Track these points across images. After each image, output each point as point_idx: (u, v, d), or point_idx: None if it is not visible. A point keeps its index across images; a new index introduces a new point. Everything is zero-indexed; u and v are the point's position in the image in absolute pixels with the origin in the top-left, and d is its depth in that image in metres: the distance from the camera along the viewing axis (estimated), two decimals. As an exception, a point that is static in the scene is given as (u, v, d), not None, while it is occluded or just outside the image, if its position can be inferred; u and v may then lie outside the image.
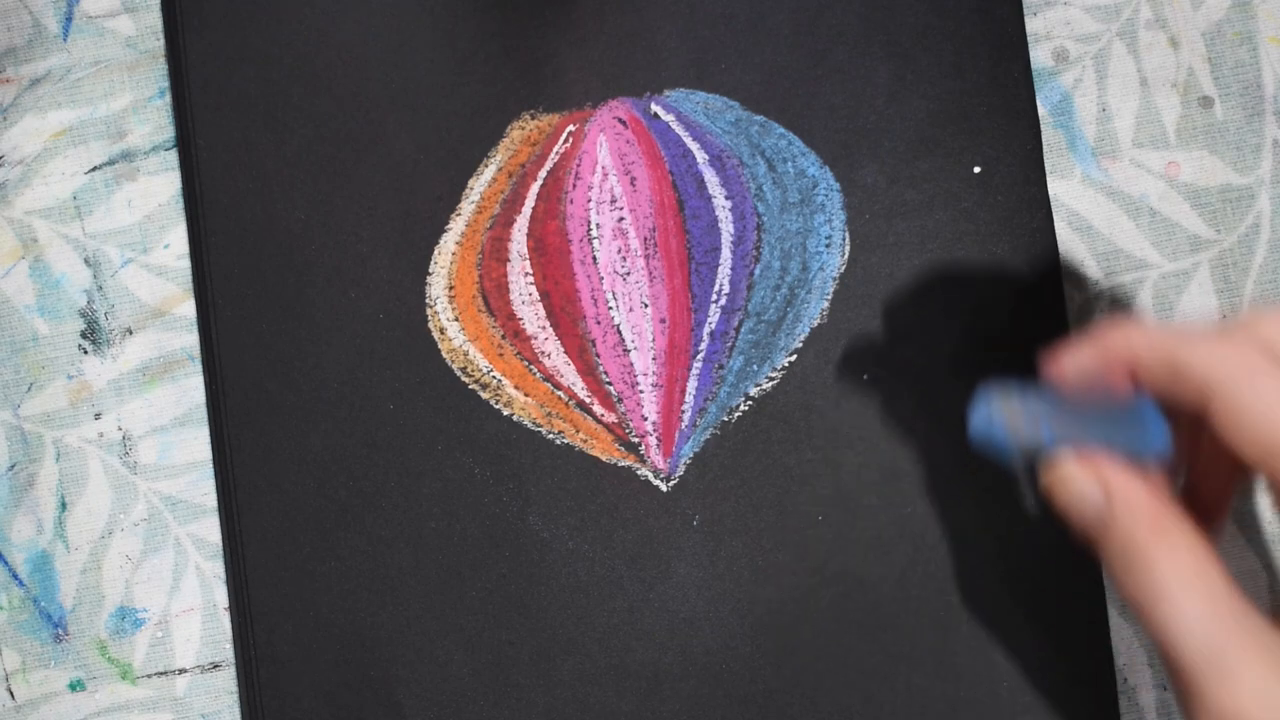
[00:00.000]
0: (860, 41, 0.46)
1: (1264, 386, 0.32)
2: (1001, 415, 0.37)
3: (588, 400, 0.46)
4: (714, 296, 0.46)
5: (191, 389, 0.47)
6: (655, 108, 0.46)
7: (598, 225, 0.46)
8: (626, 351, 0.46)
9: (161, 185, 0.48)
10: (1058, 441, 0.36)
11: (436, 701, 0.45)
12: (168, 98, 0.48)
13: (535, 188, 0.46)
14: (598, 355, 0.46)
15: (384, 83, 0.47)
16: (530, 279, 0.46)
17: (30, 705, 0.47)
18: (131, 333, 0.47)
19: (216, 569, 0.47)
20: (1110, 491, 0.34)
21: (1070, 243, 0.46)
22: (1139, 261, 0.46)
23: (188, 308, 0.47)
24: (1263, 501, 0.46)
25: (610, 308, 0.46)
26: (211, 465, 0.47)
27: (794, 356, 0.46)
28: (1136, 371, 0.35)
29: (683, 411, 0.46)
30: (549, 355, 0.46)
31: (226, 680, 0.46)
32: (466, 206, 0.46)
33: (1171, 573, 0.32)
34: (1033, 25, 0.47)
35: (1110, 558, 0.34)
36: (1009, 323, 0.45)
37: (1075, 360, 0.37)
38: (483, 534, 0.46)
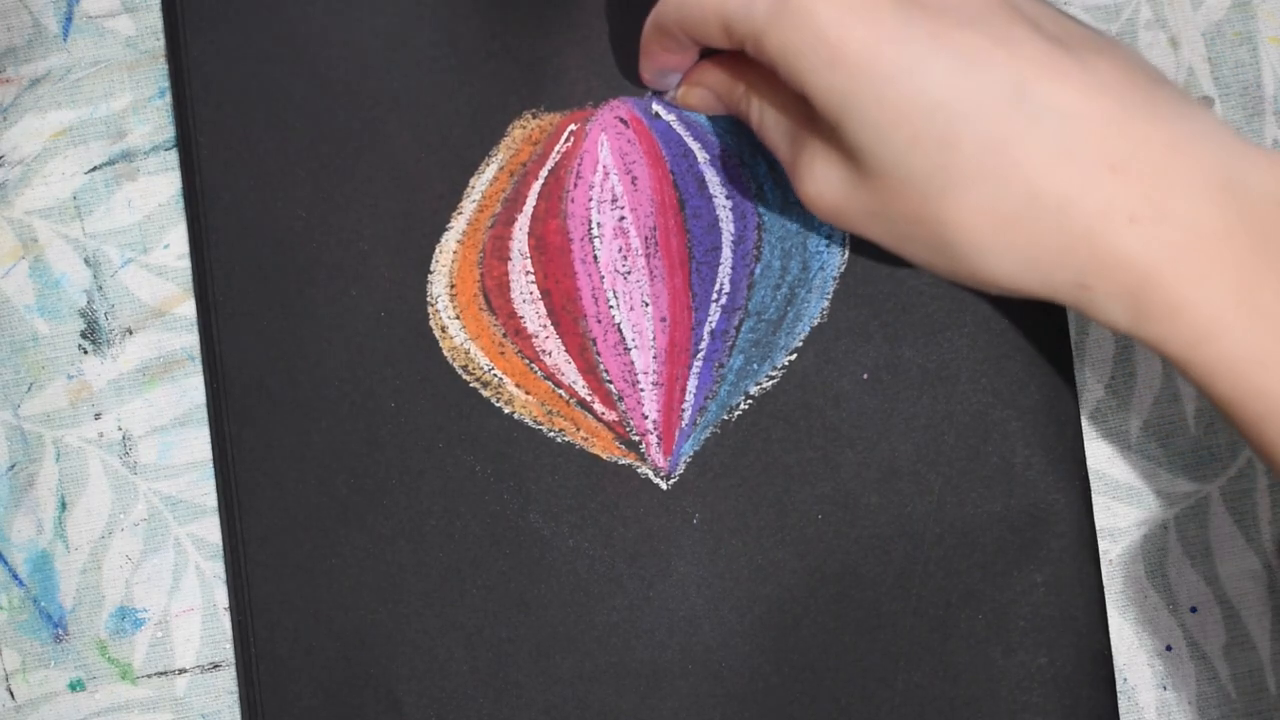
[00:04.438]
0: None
1: None
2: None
3: (588, 398, 0.46)
4: (714, 295, 0.46)
5: (191, 389, 0.47)
6: (656, 107, 0.46)
7: (599, 224, 0.46)
8: (627, 350, 0.46)
9: (161, 185, 0.48)
10: None
11: (436, 699, 0.45)
12: (168, 98, 0.48)
13: (537, 186, 0.46)
14: (598, 353, 0.46)
15: (385, 81, 0.47)
16: (531, 277, 0.46)
17: (30, 705, 0.47)
18: (131, 333, 0.47)
19: (216, 569, 0.47)
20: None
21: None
22: (1139, 261, 0.47)
23: (188, 308, 0.47)
24: (1262, 502, 0.46)
25: (611, 306, 0.46)
26: (211, 465, 0.47)
27: (794, 355, 0.46)
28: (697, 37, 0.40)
29: (683, 410, 0.46)
30: (550, 353, 0.46)
31: (226, 680, 0.47)
32: (468, 205, 0.46)
33: None
34: (1033, 25, 0.47)
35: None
36: (1009, 321, 0.46)
37: (654, 60, 0.43)
38: (483, 532, 0.46)
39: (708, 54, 0.44)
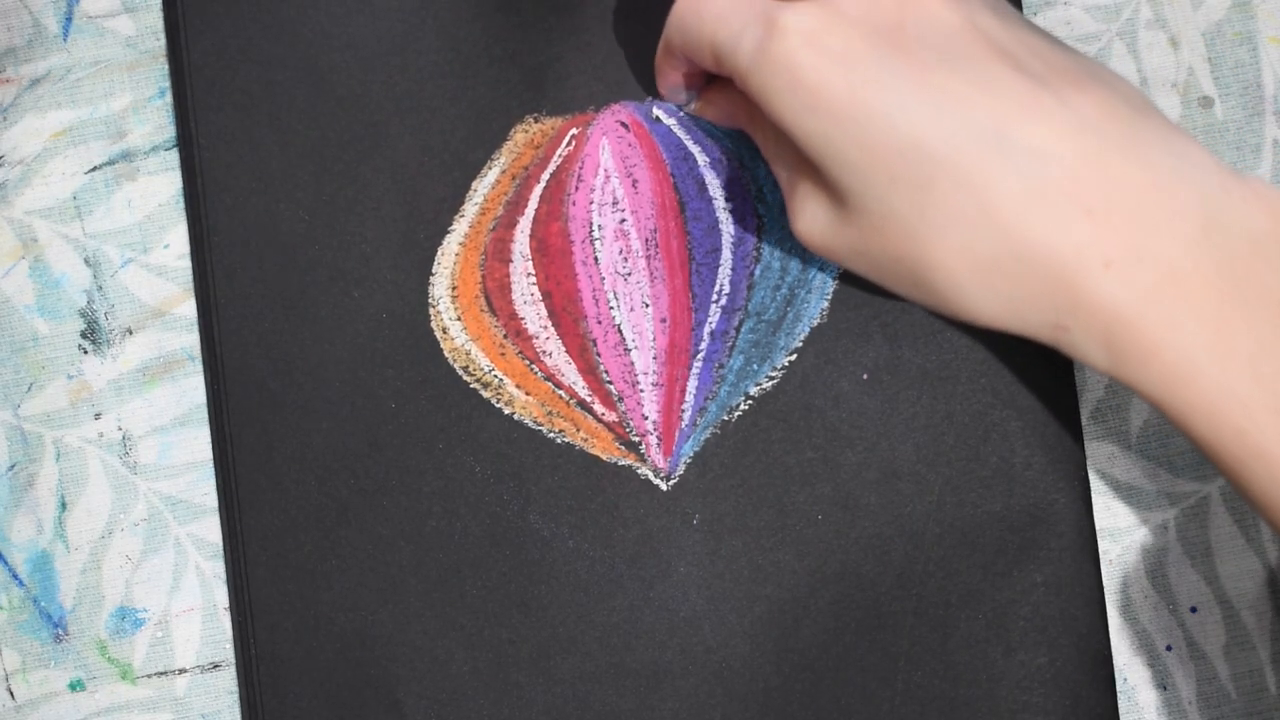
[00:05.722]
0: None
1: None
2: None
3: (588, 399, 0.46)
4: (714, 296, 0.46)
5: (191, 389, 0.48)
6: (657, 111, 0.47)
7: (600, 226, 0.47)
8: (627, 351, 0.46)
9: (161, 185, 0.48)
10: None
11: (437, 700, 0.46)
12: (168, 98, 0.48)
13: (538, 189, 0.47)
14: (598, 354, 0.46)
15: (388, 84, 0.47)
16: (532, 279, 0.47)
17: (30, 705, 0.47)
18: (131, 333, 0.47)
19: (216, 569, 0.47)
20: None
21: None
22: (1139, 261, 0.47)
23: (188, 308, 0.48)
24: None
25: (611, 307, 0.46)
26: (212, 465, 0.47)
27: (794, 356, 0.46)
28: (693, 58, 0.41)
29: (683, 411, 0.46)
30: (550, 354, 0.47)
31: (226, 680, 0.47)
32: (470, 208, 0.47)
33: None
34: (1033, 25, 0.47)
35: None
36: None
37: (666, 79, 0.44)
38: (483, 532, 0.46)
39: None
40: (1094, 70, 0.37)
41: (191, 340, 0.48)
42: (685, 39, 0.40)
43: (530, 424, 0.46)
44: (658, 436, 0.46)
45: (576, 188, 0.47)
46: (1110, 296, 0.35)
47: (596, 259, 0.46)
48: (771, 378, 0.46)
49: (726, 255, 0.46)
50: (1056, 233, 0.35)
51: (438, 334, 0.47)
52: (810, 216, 0.40)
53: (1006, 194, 0.35)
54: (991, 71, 0.36)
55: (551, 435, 0.46)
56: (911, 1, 0.37)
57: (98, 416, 0.48)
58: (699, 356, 0.46)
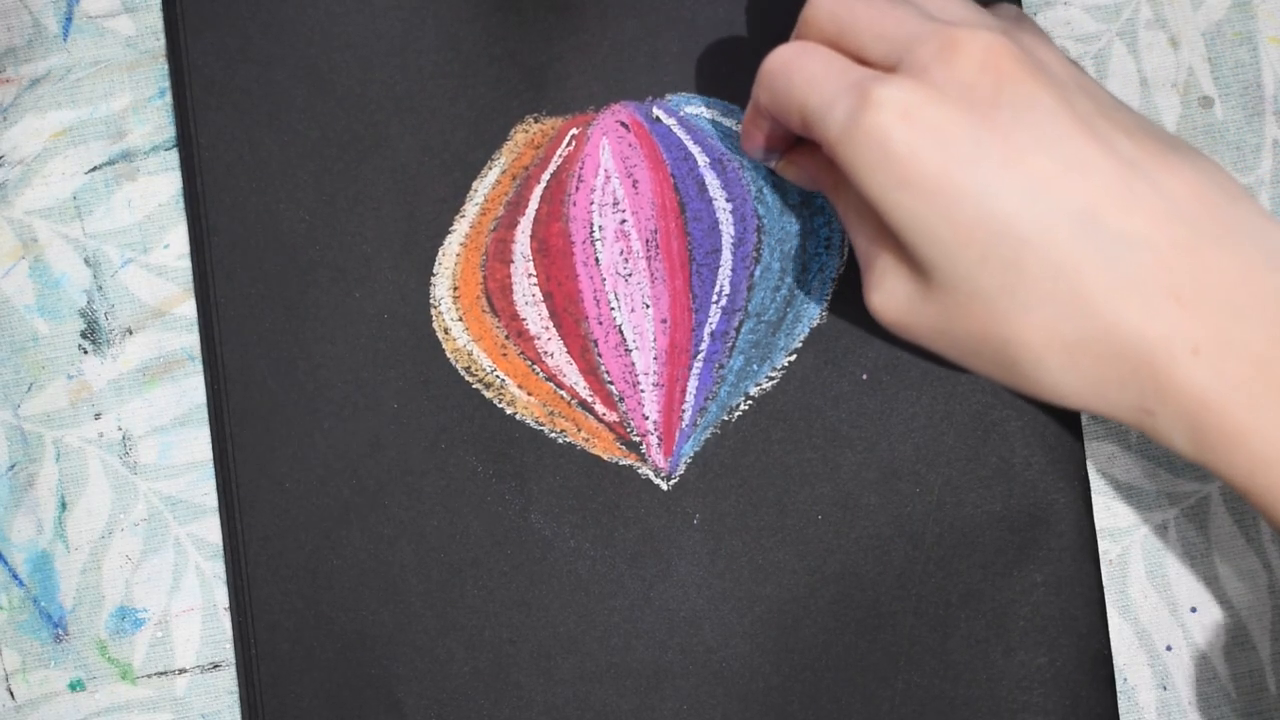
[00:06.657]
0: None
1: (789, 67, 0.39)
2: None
3: (589, 400, 0.47)
4: (715, 297, 0.47)
5: (191, 389, 0.48)
6: (657, 111, 0.47)
7: (600, 227, 0.47)
8: (628, 351, 0.47)
9: (161, 185, 0.48)
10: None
11: (437, 700, 0.46)
12: (168, 98, 0.48)
13: (539, 190, 0.47)
14: (599, 355, 0.47)
15: (388, 85, 0.47)
16: (534, 280, 0.47)
17: (30, 705, 0.47)
18: (131, 333, 0.48)
19: (216, 569, 0.47)
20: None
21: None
22: (1140, 261, 0.47)
23: (188, 308, 0.48)
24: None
25: (612, 308, 0.47)
26: (212, 465, 0.47)
27: (794, 356, 0.47)
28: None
29: (683, 411, 0.46)
30: (552, 355, 0.47)
31: (226, 680, 0.47)
32: (470, 208, 0.47)
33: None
34: (1033, 26, 0.47)
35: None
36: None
37: (752, 140, 0.44)
38: (484, 532, 0.46)
39: None
40: (1185, 151, 0.37)
41: (191, 340, 0.48)
42: (774, 100, 0.40)
43: (532, 424, 0.47)
44: (658, 436, 0.47)
45: (577, 188, 0.47)
46: (1197, 383, 0.35)
47: (597, 260, 0.47)
48: (771, 378, 0.47)
49: (726, 256, 0.47)
50: (1146, 318, 0.35)
51: (439, 334, 0.47)
52: (889, 291, 0.39)
53: (1097, 279, 0.35)
54: (1085, 154, 0.36)
55: (553, 435, 0.47)
56: (1007, 81, 0.36)
57: (98, 416, 0.48)
58: (699, 357, 0.47)
